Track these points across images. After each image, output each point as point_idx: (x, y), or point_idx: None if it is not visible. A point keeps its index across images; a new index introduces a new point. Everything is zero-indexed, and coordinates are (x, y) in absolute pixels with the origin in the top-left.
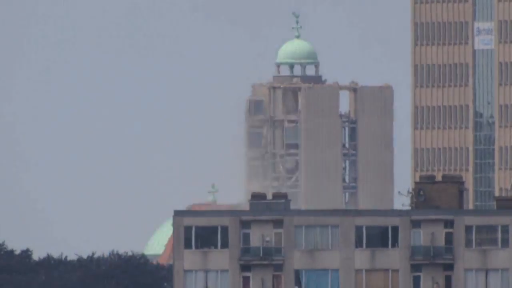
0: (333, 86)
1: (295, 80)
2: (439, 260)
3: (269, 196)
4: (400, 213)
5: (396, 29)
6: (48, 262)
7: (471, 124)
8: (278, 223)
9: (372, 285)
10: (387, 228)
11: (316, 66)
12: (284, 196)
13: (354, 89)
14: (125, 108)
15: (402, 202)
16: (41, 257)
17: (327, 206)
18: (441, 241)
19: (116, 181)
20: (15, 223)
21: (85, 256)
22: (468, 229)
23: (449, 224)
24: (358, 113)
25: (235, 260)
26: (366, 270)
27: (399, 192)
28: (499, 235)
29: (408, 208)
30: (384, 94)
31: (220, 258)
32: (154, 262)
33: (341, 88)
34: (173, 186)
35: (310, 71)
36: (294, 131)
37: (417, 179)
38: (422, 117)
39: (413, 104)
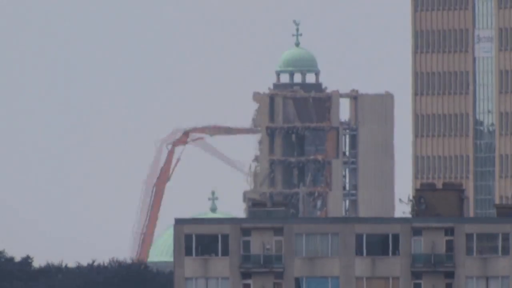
0: (333, 94)
1: (295, 88)
2: (440, 267)
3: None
4: (400, 220)
5: (396, 36)
6: (48, 270)
7: (471, 132)
8: (278, 231)
9: None
10: (387, 235)
11: (317, 74)
12: (284, 204)
13: (354, 97)
14: (124, 115)
15: (402, 210)
16: (41, 264)
17: (328, 214)
18: (441, 249)
19: (117, 189)
20: (15, 231)
21: (85, 264)
22: (469, 237)
23: (449, 231)
24: (358, 121)
25: (235, 268)
26: (367, 278)
27: (399, 199)
28: (500, 243)
29: (409, 216)
30: (385, 102)
31: (221, 265)
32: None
33: (342, 96)
34: (174, 193)
35: (310, 79)
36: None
37: (418, 187)
38: (422, 125)
39: (414, 112)
